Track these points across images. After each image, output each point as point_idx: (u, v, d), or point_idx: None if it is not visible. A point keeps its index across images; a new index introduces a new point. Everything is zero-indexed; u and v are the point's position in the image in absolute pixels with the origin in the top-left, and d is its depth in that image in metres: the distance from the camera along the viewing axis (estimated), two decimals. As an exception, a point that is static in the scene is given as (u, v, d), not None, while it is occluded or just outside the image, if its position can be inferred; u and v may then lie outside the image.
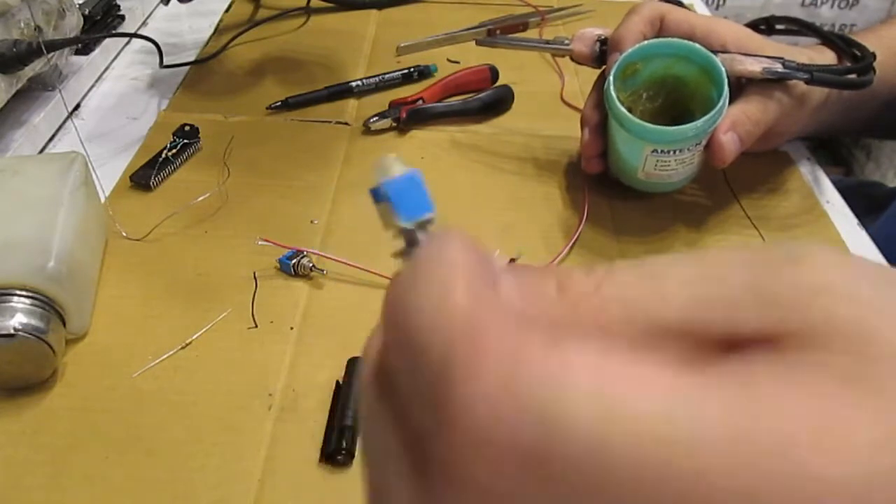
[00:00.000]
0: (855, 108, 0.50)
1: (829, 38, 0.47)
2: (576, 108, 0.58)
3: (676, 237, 0.46)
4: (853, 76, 0.44)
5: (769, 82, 0.43)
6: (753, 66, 0.42)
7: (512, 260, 0.42)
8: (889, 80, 0.49)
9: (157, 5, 0.73)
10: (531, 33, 0.69)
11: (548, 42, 0.52)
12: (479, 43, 0.54)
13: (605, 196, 0.49)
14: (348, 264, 0.41)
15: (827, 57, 0.47)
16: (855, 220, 0.48)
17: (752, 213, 0.47)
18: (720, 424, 0.11)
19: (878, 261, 0.45)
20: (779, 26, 0.50)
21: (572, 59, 0.49)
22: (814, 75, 0.42)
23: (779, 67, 0.42)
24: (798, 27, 0.50)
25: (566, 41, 0.49)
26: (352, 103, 0.58)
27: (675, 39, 0.43)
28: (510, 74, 0.60)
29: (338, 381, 0.36)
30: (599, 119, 0.46)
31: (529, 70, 0.63)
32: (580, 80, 0.61)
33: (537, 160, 0.52)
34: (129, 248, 0.43)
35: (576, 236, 0.45)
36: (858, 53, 0.45)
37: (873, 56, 0.44)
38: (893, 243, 0.48)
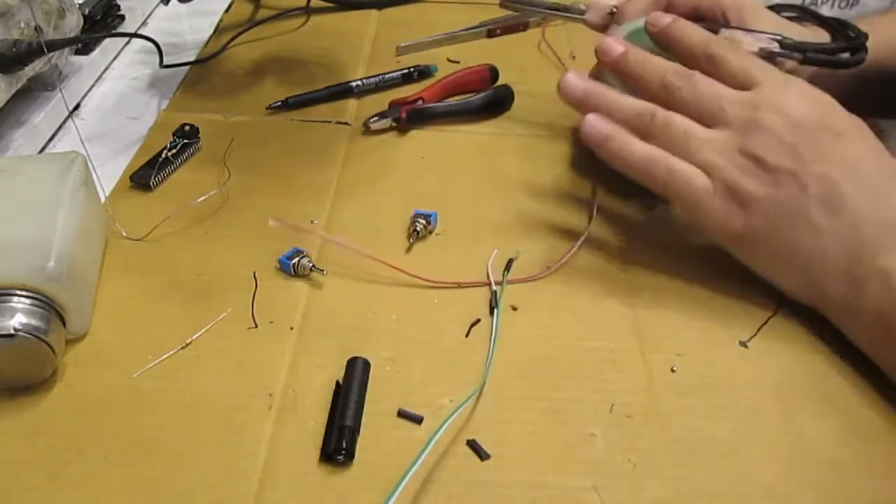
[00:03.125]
0: (840, 84, 0.51)
1: (826, 21, 0.50)
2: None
3: (678, 236, 0.46)
4: (846, 55, 0.46)
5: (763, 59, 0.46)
6: (751, 46, 0.45)
7: (510, 260, 0.42)
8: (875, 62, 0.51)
9: (157, 5, 0.73)
10: (533, 33, 0.69)
11: (566, 9, 0.55)
12: (502, 5, 0.57)
13: (613, 196, 0.49)
14: (355, 249, 0.42)
15: (821, 36, 0.49)
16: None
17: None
18: None
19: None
20: (784, 14, 0.52)
21: (587, 25, 0.52)
22: (807, 55, 0.45)
23: (775, 48, 0.45)
24: (800, 13, 0.52)
25: (582, 8, 0.52)
26: (352, 103, 0.58)
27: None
28: (510, 74, 0.60)
29: (338, 381, 0.36)
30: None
31: (529, 70, 0.63)
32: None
33: (537, 160, 0.52)
34: (129, 248, 0.43)
35: (585, 234, 0.45)
36: (852, 34, 0.47)
37: (865, 36, 0.47)
38: None
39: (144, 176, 0.48)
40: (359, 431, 0.34)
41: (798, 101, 0.39)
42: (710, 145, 0.39)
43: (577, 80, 0.43)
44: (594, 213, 0.47)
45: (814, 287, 0.38)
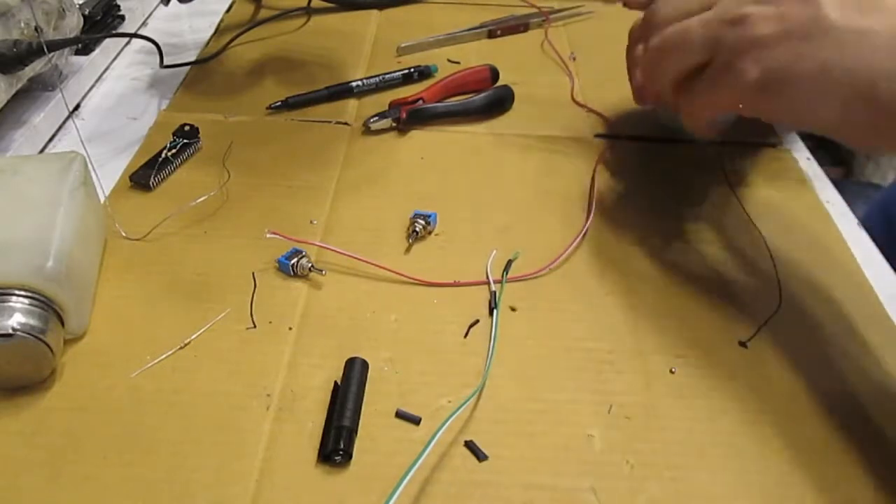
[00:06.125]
0: None
1: None
2: (587, 108, 0.58)
3: (678, 237, 0.46)
4: None
5: None
6: None
7: (509, 261, 0.42)
8: None
9: (157, 5, 0.73)
10: (533, 34, 0.69)
11: None
12: None
13: (612, 195, 0.49)
14: (350, 256, 0.42)
15: None
16: (855, 220, 0.48)
17: (751, 213, 0.47)
18: None
19: (879, 262, 0.45)
20: None
21: (625, 4, 0.50)
22: None
23: None
24: None
25: None
26: (352, 103, 0.58)
27: None
28: (510, 74, 0.60)
29: (336, 382, 0.36)
30: None
31: (530, 70, 0.63)
32: (581, 82, 0.61)
33: (537, 160, 0.52)
34: (129, 248, 0.43)
35: (583, 232, 0.45)
36: None
37: None
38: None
39: (144, 176, 0.48)
40: (357, 432, 0.34)
41: None
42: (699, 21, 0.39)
43: None
44: (593, 213, 0.47)
45: (866, 100, 0.33)
